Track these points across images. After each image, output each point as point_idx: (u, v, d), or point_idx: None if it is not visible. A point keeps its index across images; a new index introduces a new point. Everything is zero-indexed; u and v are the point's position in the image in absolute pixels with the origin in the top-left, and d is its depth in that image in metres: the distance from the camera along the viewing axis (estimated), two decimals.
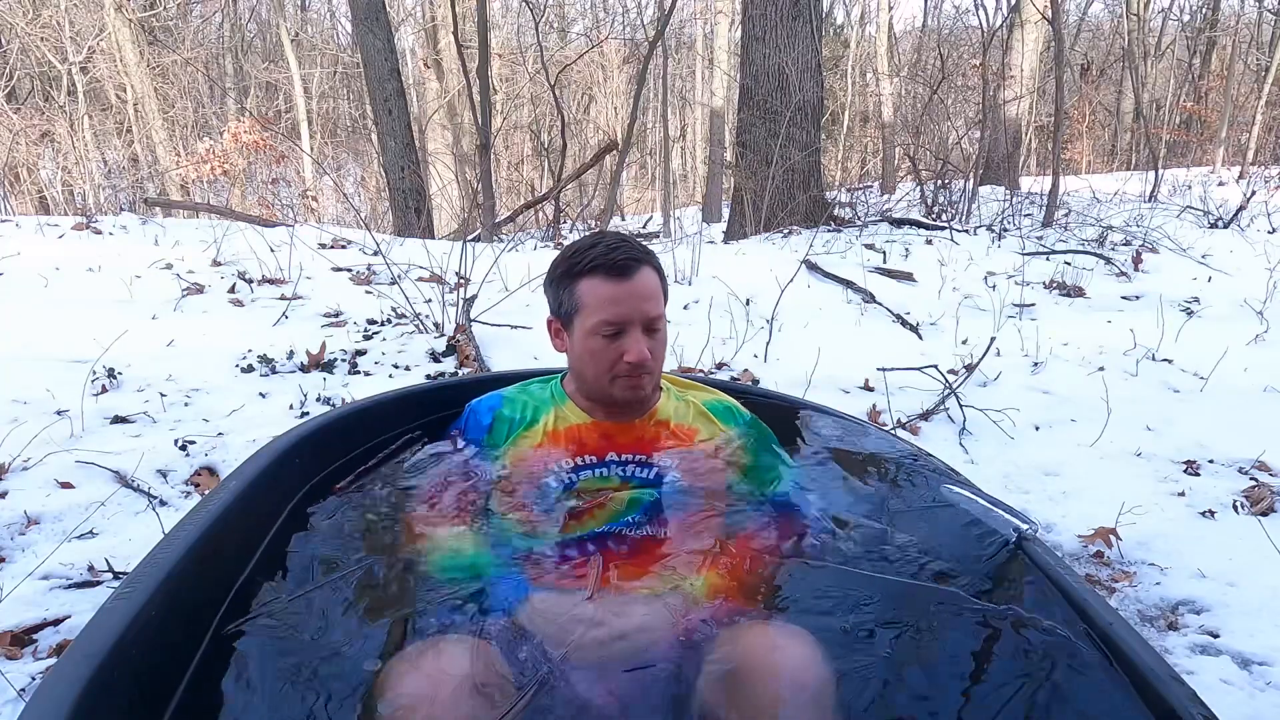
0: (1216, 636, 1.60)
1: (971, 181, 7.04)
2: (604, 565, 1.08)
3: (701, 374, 2.74)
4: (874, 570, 1.12)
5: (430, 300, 3.39)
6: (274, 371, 2.73)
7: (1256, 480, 2.29)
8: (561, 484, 1.16)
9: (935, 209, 6.76)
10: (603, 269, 1.13)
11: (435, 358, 2.95)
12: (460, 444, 1.26)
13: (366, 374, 2.79)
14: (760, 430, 1.30)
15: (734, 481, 1.24)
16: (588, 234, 1.48)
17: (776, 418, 1.40)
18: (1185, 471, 2.38)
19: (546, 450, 1.19)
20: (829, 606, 1.06)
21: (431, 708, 0.80)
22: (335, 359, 2.86)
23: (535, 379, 1.33)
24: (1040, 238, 5.67)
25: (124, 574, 1.54)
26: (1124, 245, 5.34)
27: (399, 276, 3.55)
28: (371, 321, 3.30)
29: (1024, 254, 5.02)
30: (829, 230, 5.87)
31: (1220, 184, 9.52)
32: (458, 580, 1.05)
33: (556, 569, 1.09)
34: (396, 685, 0.82)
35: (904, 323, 3.79)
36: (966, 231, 5.81)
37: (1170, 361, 3.32)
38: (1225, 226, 6.13)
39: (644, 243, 1.24)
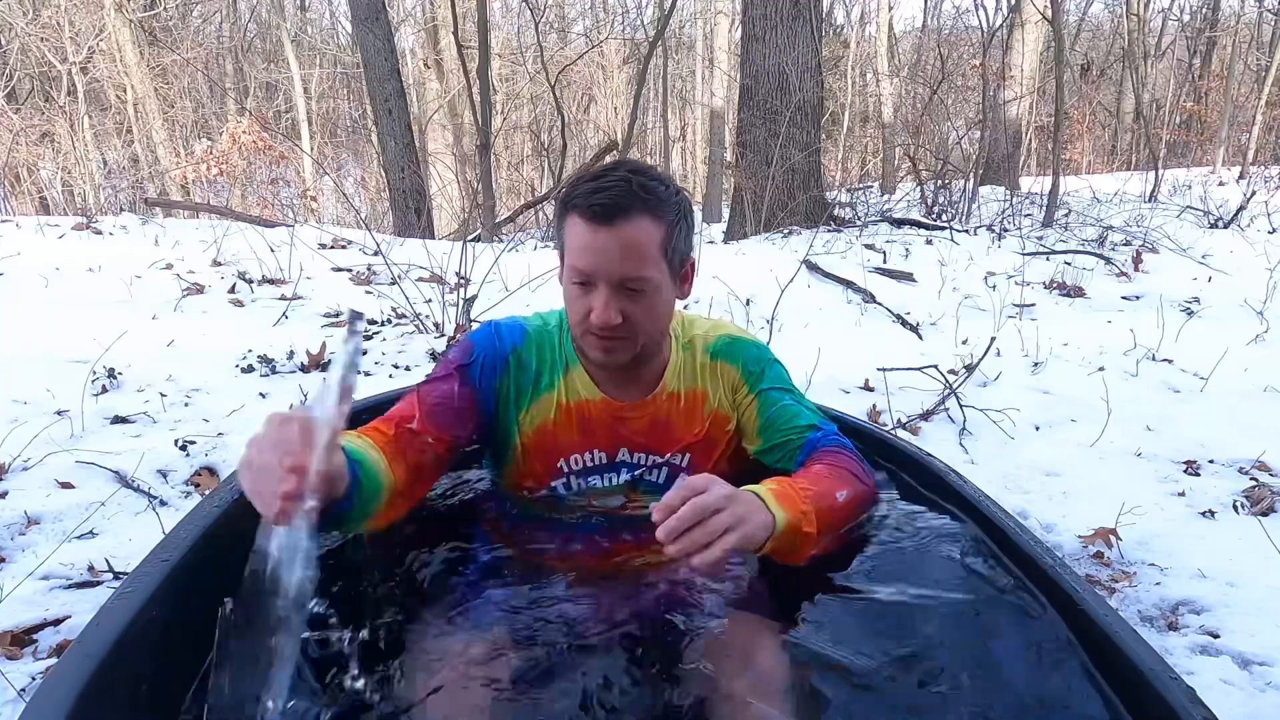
0: (1216, 636, 1.60)
1: (971, 181, 7.04)
2: (608, 554, 1.09)
3: None
4: (867, 568, 1.12)
5: (430, 300, 3.39)
6: (274, 371, 2.73)
7: (1256, 480, 2.29)
8: (570, 491, 1.13)
9: (935, 209, 6.76)
10: (581, 209, 0.98)
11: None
12: (471, 367, 1.10)
13: (366, 374, 2.79)
14: (769, 371, 1.18)
15: (755, 449, 1.15)
16: (611, 161, 1.20)
17: None
18: (1185, 471, 2.38)
19: (559, 436, 1.11)
20: (823, 604, 1.06)
21: (438, 709, 0.81)
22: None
23: (554, 314, 1.17)
24: (1040, 238, 5.67)
25: (124, 574, 1.54)
26: (1124, 245, 5.34)
27: (399, 277, 3.55)
28: (372, 322, 3.30)
29: (1024, 254, 5.02)
30: (829, 230, 5.87)
31: (1220, 184, 9.53)
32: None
33: (557, 559, 1.10)
34: (409, 685, 0.83)
35: (904, 323, 3.79)
36: (966, 231, 5.81)
37: (1170, 361, 3.32)
38: (1225, 226, 6.13)
39: (662, 185, 1.01)
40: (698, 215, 10.70)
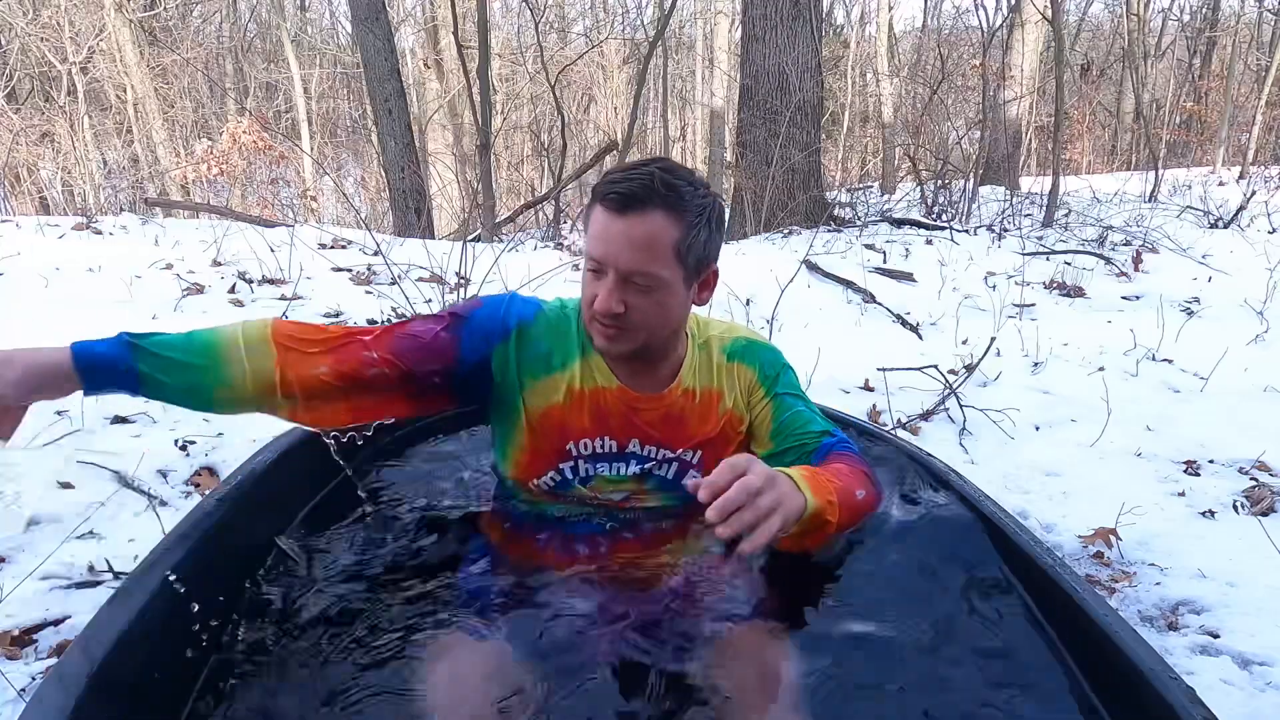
0: (1216, 636, 1.60)
1: (971, 181, 7.04)
2: (611, 553, 1.09)
3: None
4: (869, 571, 1.12)
5: (430, 300, 3.39)
6: None
7: (1256, 480, 2.29)
8: (576, 476, 1.12)
9: (935, 209, 6.76)
10: (601, 198, 1.00)
11: None
12: (466, 322, 1.10)
13: None
14: (784, 376, 1.20)
15: (765, 453, 1.15)
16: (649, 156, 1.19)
17: None
18: (1185, 471, 2.38)
19: (568, 419, 1.10)
20: (827, 606, 1.06)
21: (439, 708, 0.81)
22: None
23: (575, 300, 1.16)
24: (1040, 238, 5.67)
25: (124, 574, 1.54)
26: (1124, 245, 5.34)
27: (399, 276, 3.55)
28: (372, 321, 3.30)
29: (1024, 254, 5.02)
30: (829, 230, 5.87)
31: (1220, 184, 9.52)
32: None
33: (560, 559, 1.10)
34: (410, 683, 0.83)
35: (904, 323, 3.79)
36: (966, 231, 5.81)
37: (1170, 361, 3.32)
38: (1225, 226, 6.13)
39: (690, 186, 1.01)
40: None
